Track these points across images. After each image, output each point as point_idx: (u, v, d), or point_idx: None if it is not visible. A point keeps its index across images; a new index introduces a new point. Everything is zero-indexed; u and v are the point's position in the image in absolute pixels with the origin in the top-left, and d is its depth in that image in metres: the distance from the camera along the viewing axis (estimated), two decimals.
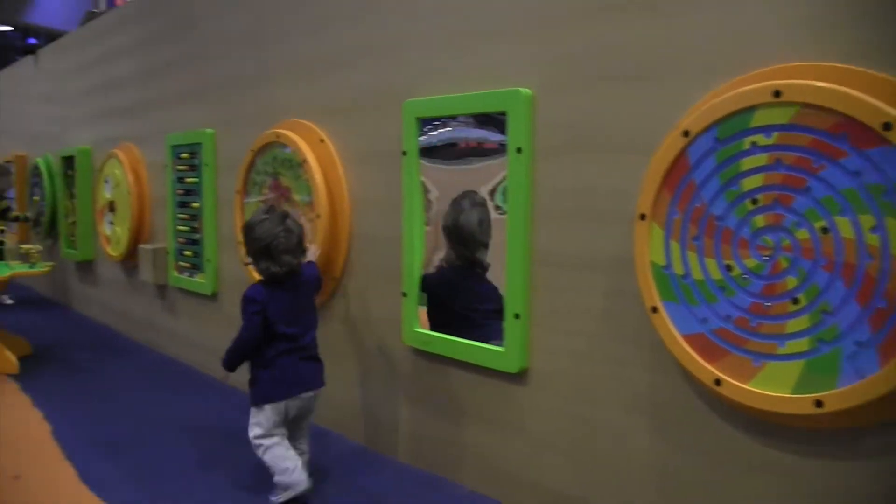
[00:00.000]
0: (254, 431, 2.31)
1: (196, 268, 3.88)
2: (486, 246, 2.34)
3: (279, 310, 2.30)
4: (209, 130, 3.69)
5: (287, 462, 2.29)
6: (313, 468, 2.50)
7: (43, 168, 6.02)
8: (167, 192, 4.09)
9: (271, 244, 2.28)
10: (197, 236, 3.83)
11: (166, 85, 4.18)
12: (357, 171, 2.84)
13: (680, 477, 1.91)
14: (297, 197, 3.01)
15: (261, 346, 2.30)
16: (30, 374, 3.89)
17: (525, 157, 2.21)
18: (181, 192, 3.96)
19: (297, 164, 2.98)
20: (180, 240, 3.98)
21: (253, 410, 2.31)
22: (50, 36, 22.80)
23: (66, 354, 4.36)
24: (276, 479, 2.29)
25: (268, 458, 2.30)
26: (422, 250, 2.57)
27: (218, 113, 3.68)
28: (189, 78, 3.94)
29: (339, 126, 2.90)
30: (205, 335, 3.95)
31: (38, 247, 4.21)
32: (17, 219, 5.40)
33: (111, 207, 4.69)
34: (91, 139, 5.30)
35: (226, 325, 3.56)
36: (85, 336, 4.89)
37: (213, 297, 3.81)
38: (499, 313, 2.28)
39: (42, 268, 4.10)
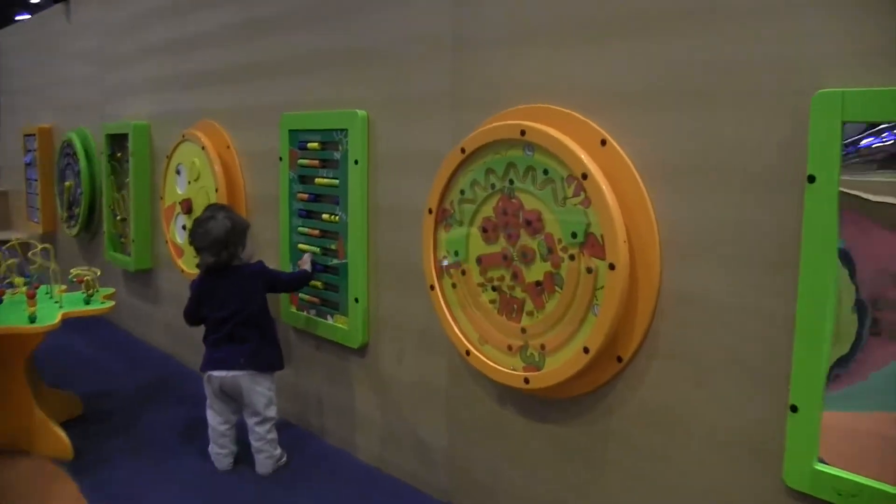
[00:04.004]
0: None
1: (332, 306, 2.72)
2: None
3: (208, 296, 2.58)
4: (361, 112, 2.50)
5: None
6: None
7: (77, 145, 4.88)
8: (280, 194, 2.90)
9: (191, 243, 2.61)
10: (334, 262, 2.66)
11: (278, 44, 3.01)
12: (679, 196, 1.74)
13: None
14: (555, 231, 1.85)
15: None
16: (88, 456, 2.76)
17: None
18: (306, 196, 2.78)
19: (560, 179, 1.81)
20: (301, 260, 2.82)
21: None
22: None
23: (132, 413, 3.25)
24: None
25: None
26: (830, 339, 1.42)
27: (373, 88, 2.56)
28: (318, 35, 2.79)
29: (636, 120, 1.80)
30: (341, 398, 2.85)
31: (95, 270, 3.00)
32: None
33: (186, 208, 3.51)
34: (149, 112, 4.08)
35: (378, 388, 2.58)
36: (147, 374, 3.78)
37: (361, 350, 2.64)
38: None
39: (102, 303, 2.90)
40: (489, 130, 2.01)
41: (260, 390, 2.57)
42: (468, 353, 2.15)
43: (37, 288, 3.04)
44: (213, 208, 2.68)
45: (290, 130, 2.88)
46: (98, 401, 3.35)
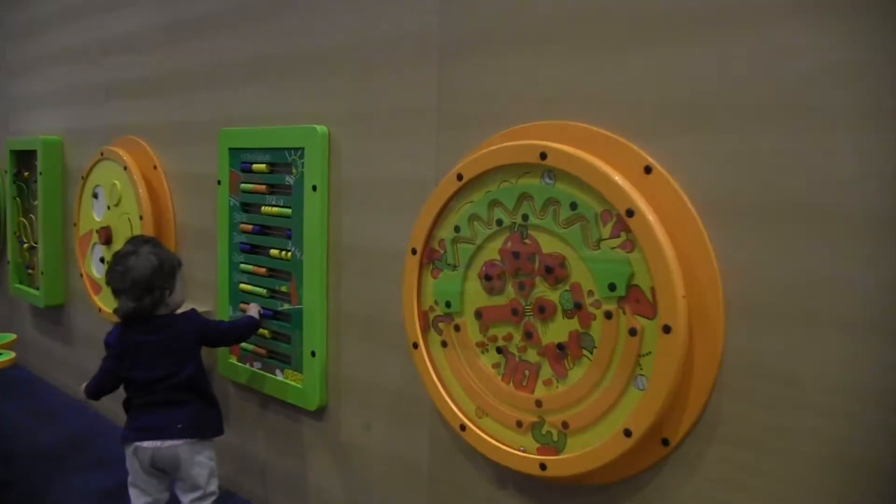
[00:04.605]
0: None
1: (282, 359, 2.27)
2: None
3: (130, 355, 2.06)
4: (320, 128, 2.05)
5: None
6: None
7: None
8: (218, 224, 2.43)
9: (108, 283, 2.10)
10: (285, 307, 2.19)
11: (216, 47, 2.58)
12: (752, 241, 1.35)
13: None
14: (584, 281, 1.46)
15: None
16: None
17: None
18: (249, 227, 2.32)
19: (593, 216, 1.40)
20: (245, 306, 2.34)
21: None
22: None
23: (38, 482, 2.72)
24: None
25: None
26: None
27: (335, 99, 2.13)
28: (267, 37, 2.36)
29: (693, 141, 1.41)
30: (291, 466, 2.39)
31: None
32: None
33: (105, 237, 2.99)
34: (62, 126, 3.53)
35: (338, 459, 2.17)
36: (58, 429, 3.23)
37: (318, 413, 2.19)
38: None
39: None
40: (496, 152, 1.59)
41: (201, 460, 2.11)
42: (463, 427, 1.70)
43: None
44: (135, 241, 2.18)
45: (231, 149, 2.41)
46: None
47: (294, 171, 2.20)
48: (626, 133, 1.49)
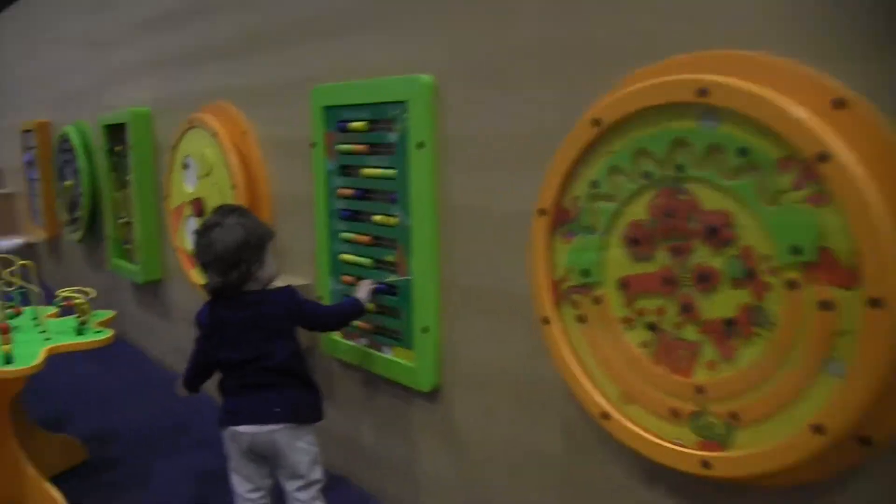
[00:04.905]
0: None
1: (391, 335, 2.07)
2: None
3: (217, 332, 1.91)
4: (424, 78, 1.81)
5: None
6: None
7: (75, 140, 4.29)
8: (314, 190, 2.23)
9: (194, 257, 1.95)
10: (392, 279, 1.97)
11: (301, 1, 2.31)
12: None
13: None
14: (759, 244, 1.21)
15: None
16: None
17: None
18: (350, 192, 2.12)
19: (770, 164, 1.11)
20: (347, 279, 2.11)
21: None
22: None
23: (145, 460, 2.65)
24: None
25: None
26: None
27: (440, 44, 1.88)
28: None
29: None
30: (401, 452, 2.21)
31: (88, 290, 2.35)
32: None
33: (197, 209, 2.83)
34: (151, 97, 3.39)
35: (455, 446, 1.97)
36: (163, 407, 3.11)
37: (431, 395, 1.97)
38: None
39: (97, 333, 2.25)
40: (641, 91, 1.32)
41: (302, 447, 1.92)
42: (606, 415, 1.45)
43: (18, 313, 2.42)
44: (222, 211, 1.99)
45: (325, 108, 2.21)
46: (104, 444, 2.78)
47: (396, 127, 1.97)
48: (808, 58, 1.18)
